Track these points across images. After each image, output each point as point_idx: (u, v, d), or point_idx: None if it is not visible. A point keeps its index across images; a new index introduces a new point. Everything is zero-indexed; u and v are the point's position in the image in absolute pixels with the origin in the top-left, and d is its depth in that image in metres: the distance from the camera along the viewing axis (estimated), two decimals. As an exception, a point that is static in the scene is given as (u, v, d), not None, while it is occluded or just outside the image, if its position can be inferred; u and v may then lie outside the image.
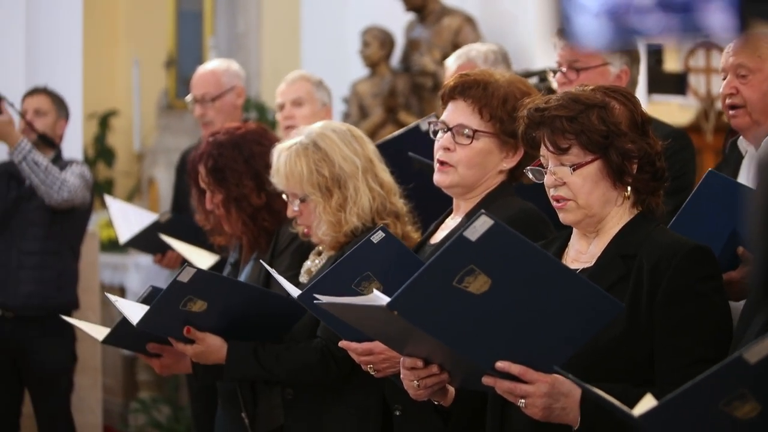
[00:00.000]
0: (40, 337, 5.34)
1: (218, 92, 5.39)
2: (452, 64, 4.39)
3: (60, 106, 5.59)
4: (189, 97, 5.50)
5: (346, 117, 7.25)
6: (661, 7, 1.12)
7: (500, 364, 2.31)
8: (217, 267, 4.40)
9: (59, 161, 5.53)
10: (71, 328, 3.41)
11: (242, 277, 3.74)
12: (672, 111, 8.79)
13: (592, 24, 1.19)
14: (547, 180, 2.57)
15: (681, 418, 2.04)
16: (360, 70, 7.33)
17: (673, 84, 9.13)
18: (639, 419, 2.05)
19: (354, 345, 2.90)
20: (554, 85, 3.89)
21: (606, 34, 1.17)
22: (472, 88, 2.99)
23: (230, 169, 3.67)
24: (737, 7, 1.14)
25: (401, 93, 7.01)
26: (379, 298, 2.34)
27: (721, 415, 2.00)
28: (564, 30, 1.24)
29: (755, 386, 1.98)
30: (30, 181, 5.36)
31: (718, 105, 8.41)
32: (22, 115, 5.48)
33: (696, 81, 9.42)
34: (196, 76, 5.49)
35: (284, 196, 3.44)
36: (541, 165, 2.60)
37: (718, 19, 1.13)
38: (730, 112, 3.15)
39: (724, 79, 3.16)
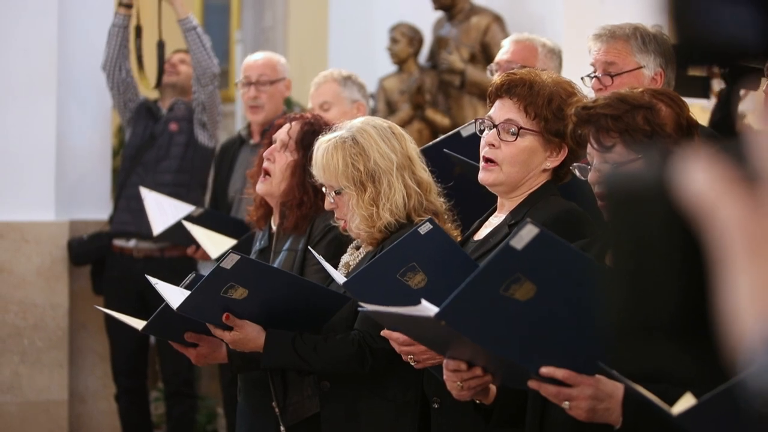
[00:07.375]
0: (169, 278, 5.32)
1: (275, 77, 5.47)
2: (508, 41, 4.50)
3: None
4: (240, 80, 5.51)
5: (373, 113, 7.25)
6: None
7: (545, 370, 2.35)
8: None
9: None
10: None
11: (275, 265, 3.77)
12: (694, 113, 8.79)
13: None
14: (591, 176, 2.61)
15: (719, 418, 2.06)
16: (387, 66, 7.34)
17: (698, 87, 9.12)
18: (677, 418, 2.07)
19: (396, 335, 2.92)
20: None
21: None
22: (518, 87, 3.02)
23: None
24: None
25: (428, 90, 7.02)
26: (426, 308, 2.38)
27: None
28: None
29: None
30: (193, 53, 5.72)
31: (738, 108, 8.47)
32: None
33: (718, 85, 9.43)
34: (252, 61, 5.56)
35: (324, 189, 3.48)
36: (587, 163, 2.64)
37: None
38: None
39: None
